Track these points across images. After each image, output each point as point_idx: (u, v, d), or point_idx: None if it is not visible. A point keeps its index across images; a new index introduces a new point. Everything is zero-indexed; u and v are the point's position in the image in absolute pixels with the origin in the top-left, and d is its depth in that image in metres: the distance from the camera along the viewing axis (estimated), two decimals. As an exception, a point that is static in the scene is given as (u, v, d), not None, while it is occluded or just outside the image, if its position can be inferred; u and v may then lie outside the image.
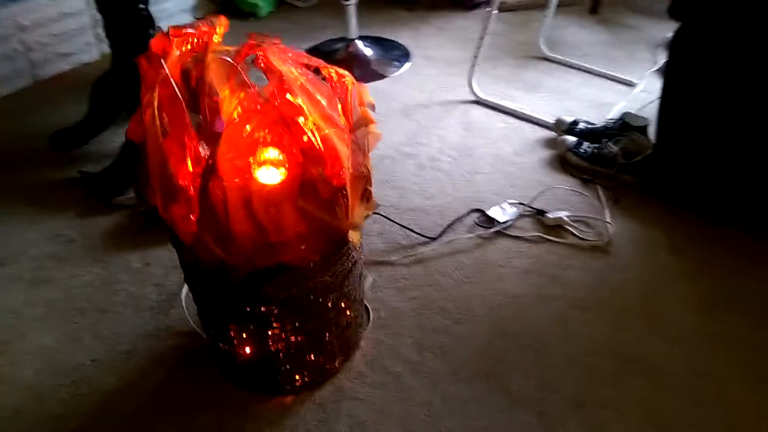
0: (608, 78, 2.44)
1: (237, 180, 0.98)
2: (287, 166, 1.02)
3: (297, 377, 1.26)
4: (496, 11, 2.16)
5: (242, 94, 0.98)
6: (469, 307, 1.48)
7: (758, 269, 1.55)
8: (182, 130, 1.01)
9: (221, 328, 1.22)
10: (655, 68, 2.42)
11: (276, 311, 1.14)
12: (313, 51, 2.77)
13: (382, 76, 2.52)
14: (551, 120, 2.12)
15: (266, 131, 0.99)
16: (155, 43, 1.02)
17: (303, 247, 1.04)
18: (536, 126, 2.16)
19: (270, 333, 1.18)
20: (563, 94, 2.35)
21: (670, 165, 1.74)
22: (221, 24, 1.05)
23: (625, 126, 1.91)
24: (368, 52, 2.69)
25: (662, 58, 2.33)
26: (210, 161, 0.96)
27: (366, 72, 2.57)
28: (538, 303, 1.49)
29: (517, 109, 2.23)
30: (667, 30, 1.74)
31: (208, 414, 1.26)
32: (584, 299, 1.50)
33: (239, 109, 0.97)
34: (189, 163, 1.03)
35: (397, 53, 2.69)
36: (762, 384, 1.29)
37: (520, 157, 2.01)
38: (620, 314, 1.46)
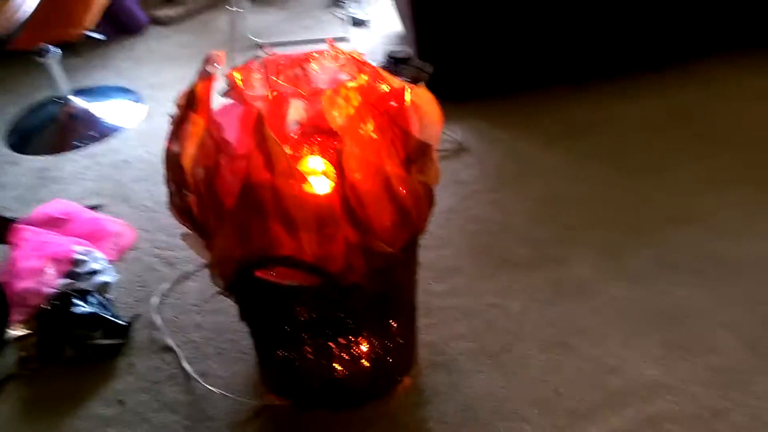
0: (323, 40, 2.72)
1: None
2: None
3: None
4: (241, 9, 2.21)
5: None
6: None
7: (548, 142, 2.04)
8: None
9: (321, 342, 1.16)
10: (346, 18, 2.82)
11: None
12: (22, 122, 2.35)
13: (113, 130, 2.27)
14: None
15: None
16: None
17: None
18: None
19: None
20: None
21: (442, 68, 2.12)
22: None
23: (397, 61, 2.23)
24: (90, 107, 2.39)
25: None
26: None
27: (95, 131, 2.28)
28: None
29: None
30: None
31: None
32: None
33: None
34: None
35: (128, 96, 2.47)
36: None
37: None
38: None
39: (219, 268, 1.03)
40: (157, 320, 1.50)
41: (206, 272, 1.49)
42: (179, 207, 1.05)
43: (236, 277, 1.02)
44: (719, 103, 2.06)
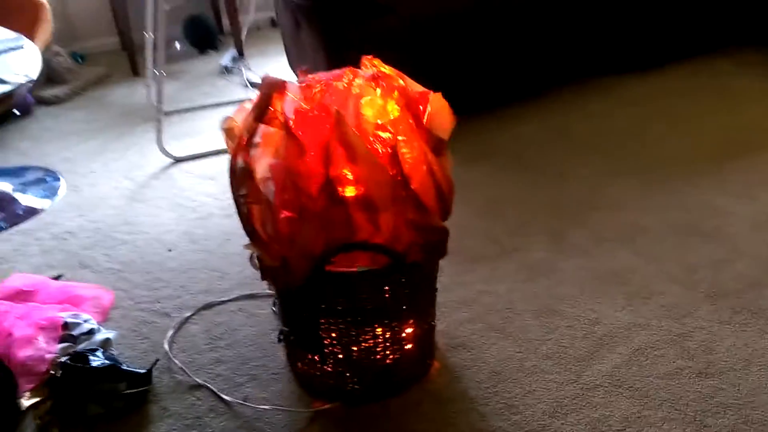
0: (227, 104, 2.85)
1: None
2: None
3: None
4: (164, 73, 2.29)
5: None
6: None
7: (468, 161, 2.37)
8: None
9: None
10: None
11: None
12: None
13: (33, 212, 2.18)
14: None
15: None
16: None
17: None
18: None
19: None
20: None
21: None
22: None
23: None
24: (4, 186, 2.27)
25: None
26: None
27: (16, 210, 2.18)
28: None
29: (218, 153, 2.44)
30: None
31: None
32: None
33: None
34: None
35: (41, 173, 2.38)
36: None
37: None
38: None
39: (297, 264, 1.13)
40: (176, 363, 1.50)
41: (205, 315, 1.58)
42: (247, 218, 1.15)
43: (313, 270, 1.13)
44: (581, 121, 2.53)
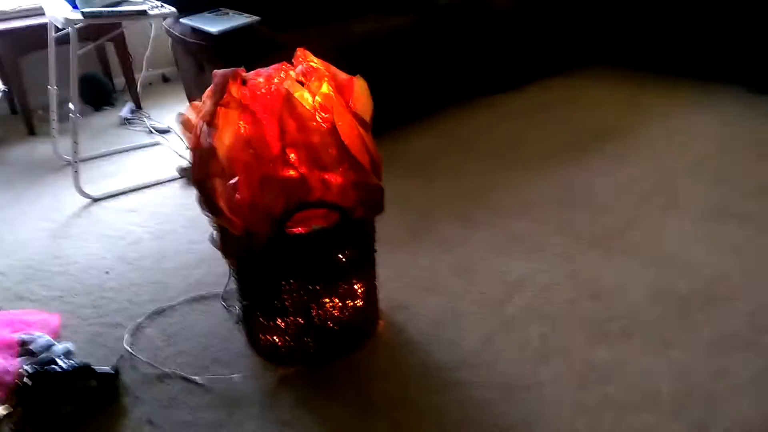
0: (134, 149, 2.95)
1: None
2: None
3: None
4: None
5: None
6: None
7: None
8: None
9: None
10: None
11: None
12: None
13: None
14: (174, 174, 2.57)
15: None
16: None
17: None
18: (167, 186, 2.56)
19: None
20: (140, 169, 2.75)
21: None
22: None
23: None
24: None
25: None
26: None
27: None
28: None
29: (136, 189, 2.53)
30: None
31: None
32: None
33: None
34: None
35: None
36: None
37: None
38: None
39: (260, 227, 1.31)
40: (140, 358, 1.58)
41: (156, 319, 1.70)
42: (210, 195, 1.32)
43: (275, 230, 1.31)
44: (471, 132, 2.92)
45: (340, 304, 1.50)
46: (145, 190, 2.55)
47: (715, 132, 2.76)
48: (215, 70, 1.33)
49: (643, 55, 3.50)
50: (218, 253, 1.50)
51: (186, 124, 1.38)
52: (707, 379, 1.45)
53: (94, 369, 1.49)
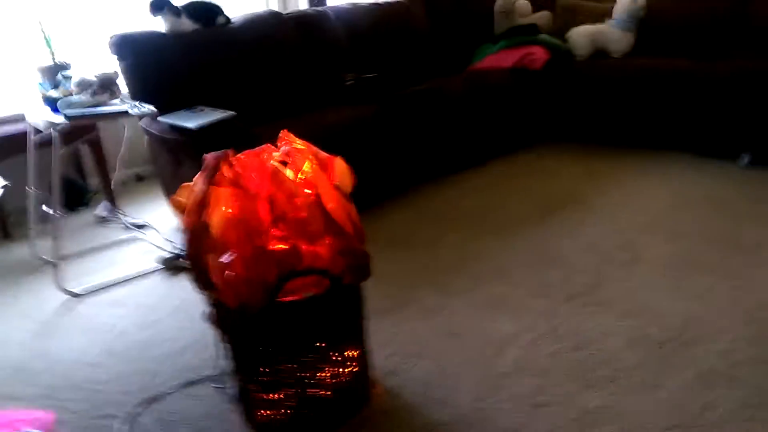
0: (112, 245, 2.99)
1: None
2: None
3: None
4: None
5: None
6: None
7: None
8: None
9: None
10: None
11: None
12: None
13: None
14: (156, 266, 2.61)
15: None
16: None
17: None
18: (149, 278, 2.59)
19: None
20: (120, 263, 2.78)
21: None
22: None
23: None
24: None
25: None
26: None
27: None
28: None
29: (118, 283, 2.55)
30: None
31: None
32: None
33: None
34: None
35: None
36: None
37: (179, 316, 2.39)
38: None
39: (253, 297, 1.36)
40: (137, 444, 1.57)
41: (152, 407, 1.72)
42: (204, 271, 1.38)
43: (268, 297, 1.37)
44: (442, 204, 3.07)
45: (335, 371, 1.54)
46: (127, 283, 2.56)
47: (667, 193, 2.96)
48: (206, 154, 1.43)
49: (593, 130, 3.78)
50: (204, 338, 1.55)
51: (178, 206, 1.46)
52: (697, 413, 1.52)
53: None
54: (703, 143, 3.38)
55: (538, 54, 3.82)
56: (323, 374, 1.53)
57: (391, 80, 3.54)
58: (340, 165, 1.58)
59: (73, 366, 2.00)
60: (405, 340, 1.94)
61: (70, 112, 2.40)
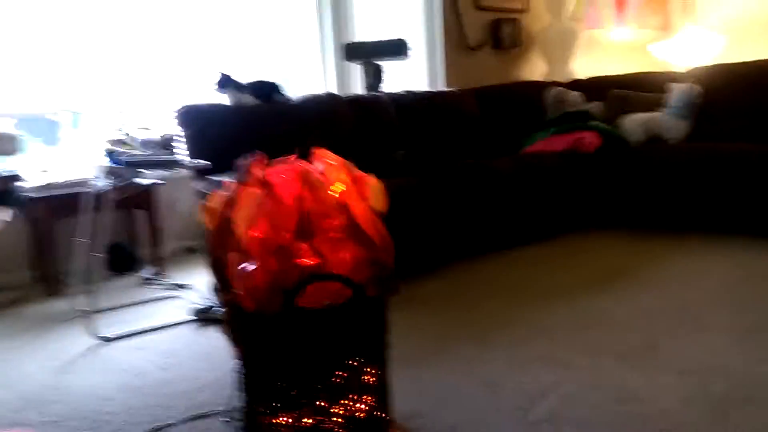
0: (149, 301, 2.97)
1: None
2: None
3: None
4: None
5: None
6: None
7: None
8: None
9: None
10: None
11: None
12: None
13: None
14: (189, 317, 2.57)
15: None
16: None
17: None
18: (181, 327, 2.54)
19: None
20: (154, 314, 2.75)
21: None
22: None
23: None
24: None
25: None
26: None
27: None
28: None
29: (148, 331, 2.51)
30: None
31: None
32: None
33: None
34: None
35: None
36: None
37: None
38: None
39: (271, 299, 1.28)
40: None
41: None
42: (223, 270, 1.33)
43: (286, 300, 1.28)
44: (477, 278, 2.94)
45: (353, 395, 1.40)
46: (157, 332, 2.51)
47: (729, 270, 2.76)
48: (239, 162, 1.43)
49: (645, 215, 3.63)
50: (224, 379, 1.45)
51: (207, 210, 1.43)
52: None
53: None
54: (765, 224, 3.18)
55: (590, 139, 3.80)
56: (337, 403, 1.39)
57: (441, 157, 3.57)
58: (373, 183, 1.54)
59: (84, 398, 1.92)
60: (436, 384, 1.78)
61: (127, 158, 2.50)
